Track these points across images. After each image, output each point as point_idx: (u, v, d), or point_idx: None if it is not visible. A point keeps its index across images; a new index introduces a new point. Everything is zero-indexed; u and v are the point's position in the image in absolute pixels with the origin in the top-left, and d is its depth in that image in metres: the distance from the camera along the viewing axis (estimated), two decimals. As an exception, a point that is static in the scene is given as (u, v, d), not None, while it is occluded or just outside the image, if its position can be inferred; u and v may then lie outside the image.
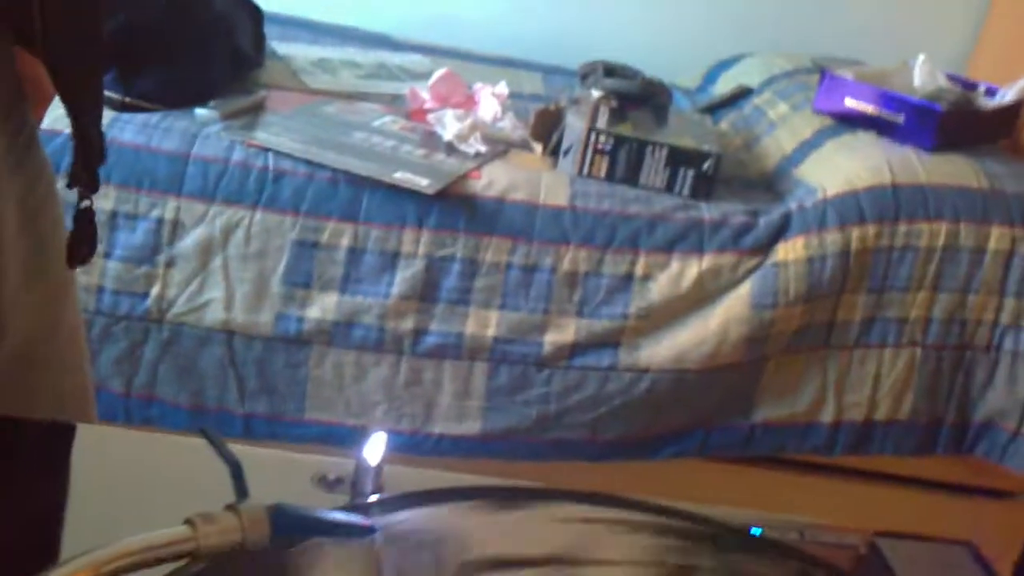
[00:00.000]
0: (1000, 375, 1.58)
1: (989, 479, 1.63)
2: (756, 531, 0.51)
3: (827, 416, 1.60)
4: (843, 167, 1.61)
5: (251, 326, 1.50)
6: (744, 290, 1.53)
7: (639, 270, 1.53)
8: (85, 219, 0.60)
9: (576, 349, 1.54)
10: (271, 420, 1.54)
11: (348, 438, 1.57)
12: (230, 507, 0.35)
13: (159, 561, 0.33)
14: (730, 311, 1.53)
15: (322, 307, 1.50)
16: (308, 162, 1.50)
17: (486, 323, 1.53)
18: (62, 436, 0.46)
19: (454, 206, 1.51)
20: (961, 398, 1.60)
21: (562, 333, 1.54)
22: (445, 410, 1.56)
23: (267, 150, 1.50)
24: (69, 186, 0.61)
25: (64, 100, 0.58)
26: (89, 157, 0.60)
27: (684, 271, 1.53)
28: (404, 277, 1.50)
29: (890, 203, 1.55)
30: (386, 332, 1.52)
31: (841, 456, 1.62)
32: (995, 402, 1.59)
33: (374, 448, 0.44)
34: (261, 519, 0.35)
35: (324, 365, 1.53)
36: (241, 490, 0.36)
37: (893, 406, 1.59)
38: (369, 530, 0.38)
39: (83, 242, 0.60)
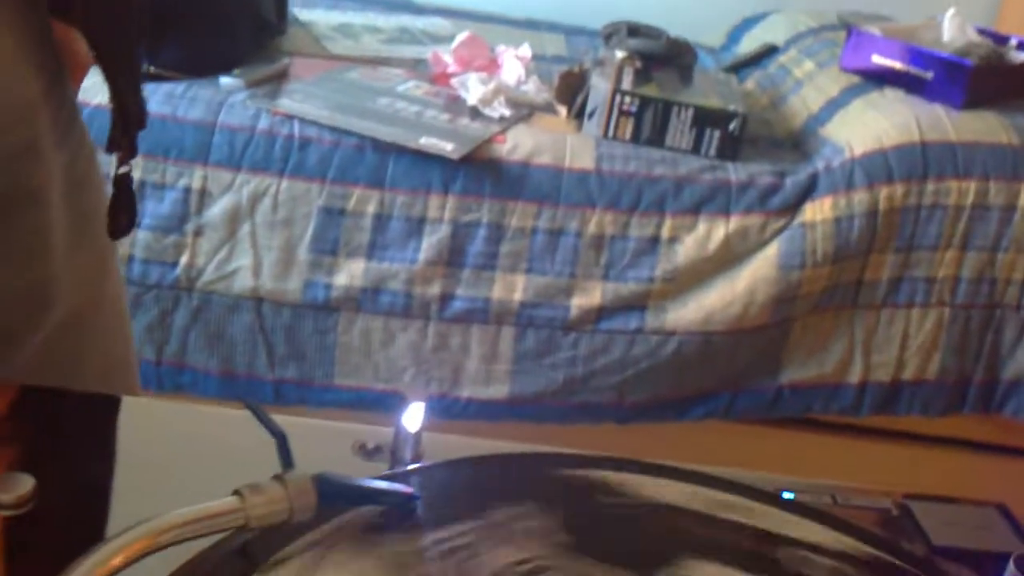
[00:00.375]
0: (1029, 333, 1.57)
1: (1018, 438, 1.63)
2: (789, 495, 0.51)
3: (854, 376, 1.60)
4: (871, 125, 1.60)
5: (279, 293, 1.51)
6: (771, 251, 1.53)
7: (665, 233, 1.53)
8: (123, 185, 0.61)
9: (603, 312, 1.54)
10: (300, 386, 1.56)
11: (377, 403, 1.59)
12: (276, 478, 0.36)
13: (209, 532, 0.34)
14: (757, 272, 1.53)
15: (349, 274, 1.51)
16: (333, 129, 1.50)
17: (512, 288, 1.54)
18: (107, 408, 0.47)
19: (479, 171, 1.51)
20: (990, 357, 1.59)
21: (588, 297, 1.54)
22: (473, 374, 1.57)
23: (292, 118, 1.51)
24: (108, 151, 0.61)
25: (102, 66, 0.59)
26: (127, 123, 0.61)
27: (711, 233, 1.52)
28: (430, 243, 1.51)
29: (918, 161, 1.54)
30: (413, 298, 1.53)
31: (868, 416, 1.62)
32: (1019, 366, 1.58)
33: (413, 416, 0.45)
34: (307, 489, 0.36)
35: (352, 331, 1.54)
36: (286, 461, 0.37)
37: (921, 366, 1.59)
38: (411, 497, 0.39)
39: (122, 210, 0.61)
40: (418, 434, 0.45)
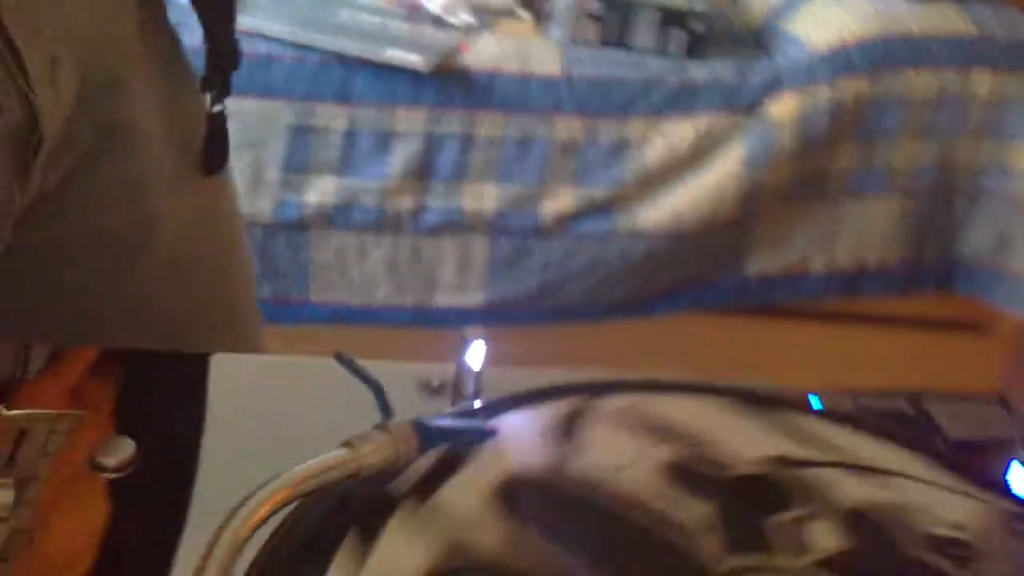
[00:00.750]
0: (981, 216, 1.63)
1: (972, 314, 1.70)
2: (816, 403, 0.55)
3: (818, 265, 1.65)
4: (832, 19, 1.61)
5: (250, 214, 1.51)
6: (738, 149, 1.56)
7: (634, 135, 1.55)
8: (217, 124, 0.61)
9: (574, 217, 1.57)
10: (276, 304, 1.57)
11: (354, 317, 1.61)
12: (379, 426, 0.38)
13: (328, 482, 0.36)
14: (725, 170, 1.56)
15: (320, 191, 1.51)
16: (297, 45, 1.48)
17: (484, 197, 1.55)
18: (198, 364, 0.48)
19: (447, 82, 1.51)
20: (946, 241, 1.66)
21: (559, 202, 1.56)
22: (448, 284, 1.60)
23: (254, 35, 1.48)
24: (202, 90, 0.61)
25: (196, 6, 0.59)
26: (222, 62, 0.61)
27: (679, 133, 1.55)
28: (400, 156, 1.51)
29: (879, 54, 1.57)
30: (385, 212, 1.54)
31: (833, 301, 1.68)
32: (977, 242, 1.64)
33: (475, 354, 0.47)
34: (409, 435, 0.38)
35: (325, 248, 1.55)
36: (385, 409, 0.39)
37: (882, 252, 1.65)
38: (492, 433, 0.42)
39: (215, 148, 0.61)
40: (480, 371, 0.47)
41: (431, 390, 0.48)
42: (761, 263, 1.65)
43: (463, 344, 0.48)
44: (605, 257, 1.59)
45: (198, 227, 0.63)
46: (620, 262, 1.59)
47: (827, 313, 1.72)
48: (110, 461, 0.40)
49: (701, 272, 1.65)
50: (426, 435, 0.38)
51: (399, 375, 0.49)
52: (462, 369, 0.48)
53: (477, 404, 0.46)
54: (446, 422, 0.41)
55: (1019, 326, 1.60)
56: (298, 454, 0.38)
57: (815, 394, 0.57)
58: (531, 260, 1.59)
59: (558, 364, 0.51)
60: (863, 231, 1.64)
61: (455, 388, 0.48)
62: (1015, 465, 0.54)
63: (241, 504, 0.33)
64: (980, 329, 1.69)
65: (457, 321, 1.63)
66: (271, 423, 0.44)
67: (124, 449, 0.40)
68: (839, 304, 1.70)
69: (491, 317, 1.63)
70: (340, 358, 0.41)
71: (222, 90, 0.61)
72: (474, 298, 1.61)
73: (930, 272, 1.68)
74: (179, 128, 0.60)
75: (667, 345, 1.69)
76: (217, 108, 0.61)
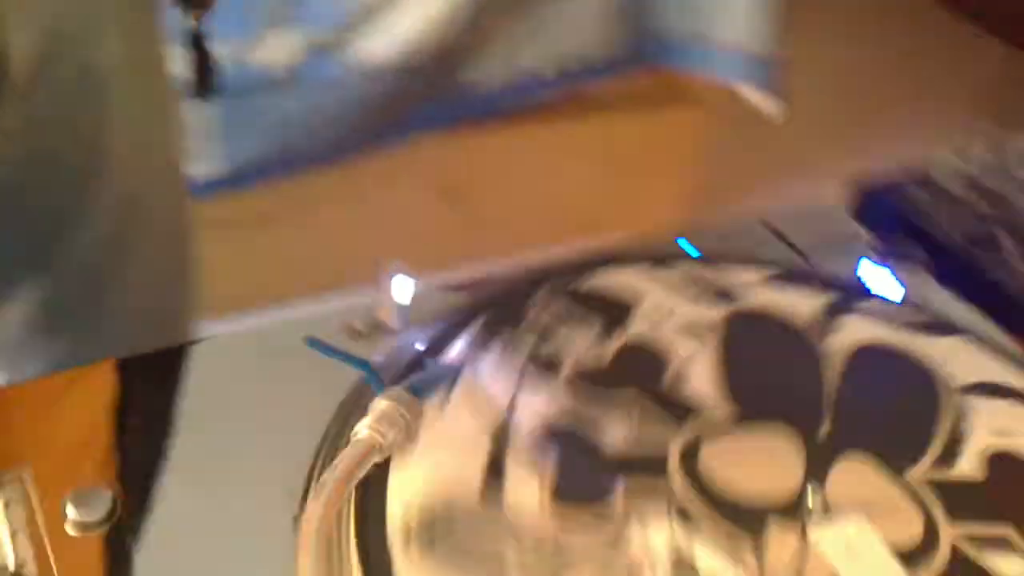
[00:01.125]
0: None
1: (680, 87, 1.82)
2: (688, 249, 0.58)
3: (537, 66, 1.71)
4: None
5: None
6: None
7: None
8: (198, 44, 0.60)
9: (303, 63, 1.53)
10: None
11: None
12: (385, 401, 0.38)
13: (362, 472, 0.36)
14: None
15: None
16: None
17: (205, 57, 1.46)
18: (177, 349, 0.45)
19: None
20: (647, 19, 1.75)
21: (285, 51, 1.51)
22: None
23: None
24: (175, 5, 0.59)
25: None
26: None
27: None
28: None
29: None
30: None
31: (559, 98, 1.75)
32: (674, 17, 1.75)
33: (402, 289, 0.47)
34: (410, 399, 0.38)
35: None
36: (378, 383, 0.39)
37: (592, 42, 1.73)
38: (459, 369, 0.43)
39: (201, 71, 0.60)
40: (408, 306, 0.47)
41: (355, 333, 0.47)
42: (483, 74, 1.69)
43: (384, 279, 0.47)
44: (340, 99, 1.58)
45: (152, 148, 0.62)
46: (356, 100, 1.59)
47: (549, 109, 1.78)
48: (91, 516, 0.37)
49: (430, 94, 1.66)
50: (421, 392, 0.39)
51: (319, 324, 0.48)
52: (389, 305, 0.47)
53: (425, 338, 0.45)
54: (431, 371, 0.41)
55: (721, 92, 1.73)
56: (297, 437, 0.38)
57: (683, 237, 0.61)
58: (266, 115, 1.55)
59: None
60: (571, 26, 1.70)
61: (381, 325, 0.48)
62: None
63: (301, 518, 0.33)
64: (688, 100, 1.82)
65: (200, 192, 1.56)
66: (246, 412, 0.42)
67: (101, 499, 0.38)
68: (560, 100, 1.76)
69: (236, 181, 1.57)
70: (314, 343, 0.40)
71: (201, 5, 0.60)
72: (215, 166, 1.55)
73: (637, 53, 1.78)
74: (142, 54, 0.58)
75: (412, 171, 1.70)
76: (194, 25, 0.60)
